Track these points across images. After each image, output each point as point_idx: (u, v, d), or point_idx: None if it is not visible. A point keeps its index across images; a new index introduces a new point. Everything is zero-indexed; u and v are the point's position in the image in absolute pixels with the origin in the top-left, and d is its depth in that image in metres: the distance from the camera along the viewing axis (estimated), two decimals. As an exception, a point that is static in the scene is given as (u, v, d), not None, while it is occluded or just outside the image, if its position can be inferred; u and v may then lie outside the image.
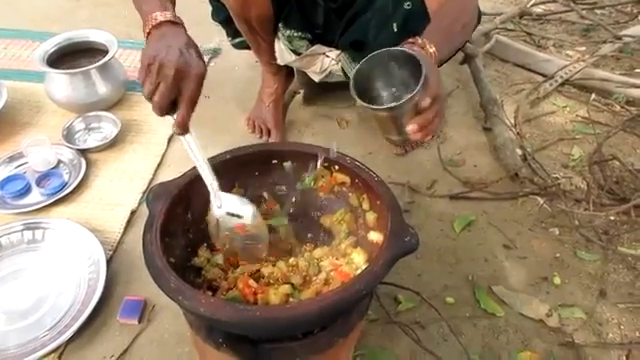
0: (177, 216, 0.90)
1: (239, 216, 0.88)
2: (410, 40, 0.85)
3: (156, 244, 0.81)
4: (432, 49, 0.84)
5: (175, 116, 0.82)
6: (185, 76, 0.80)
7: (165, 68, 0.79)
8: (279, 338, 0.83)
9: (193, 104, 0.82)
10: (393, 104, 0.77)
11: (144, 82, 0.81)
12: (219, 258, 0.92)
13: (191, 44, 0.85)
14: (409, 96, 0.76)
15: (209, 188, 0.87)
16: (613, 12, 2.28)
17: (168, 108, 0.81)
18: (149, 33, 0.86)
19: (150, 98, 0.81)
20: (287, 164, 1.00)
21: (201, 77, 0.82)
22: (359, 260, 0.91)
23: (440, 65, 0.91)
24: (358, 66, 0.83)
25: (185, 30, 0.89)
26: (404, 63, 0.81)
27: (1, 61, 1.89)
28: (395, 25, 1.21)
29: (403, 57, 0.81)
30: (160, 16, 0.86)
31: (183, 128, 0.82)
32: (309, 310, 0.73)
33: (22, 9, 2.22)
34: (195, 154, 0.86)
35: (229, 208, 0.88)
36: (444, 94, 0.82)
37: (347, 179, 0.97)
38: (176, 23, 0.88)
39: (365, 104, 0.80)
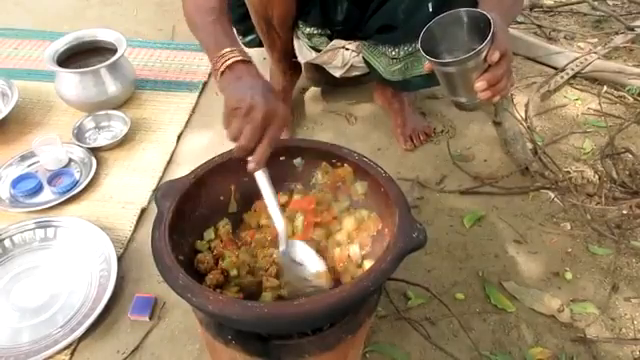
0: (186, 214, 0.90)
1: (301, 265, 0.88)
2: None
3: (165, 242, 0.81)
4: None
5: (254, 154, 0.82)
6: (272, 120, 0.81)
7: (254, 112, 0.79)
8: (288, 335, 0.84)
9: (273, 144, 0.82)
10: (462, 57, 0.78)
11: (229, 124, 0.81)
12: (218, 245, 0.92)
13: (270, 87, 0.86)
14: (478, 48, 0.76)
15: (278, 230, 0.87)
16: (625, 3, 2.24)
17: (252, 150, 0.81)
18: (223, 73, 0.86)
19: (235, 139, 0.81)
20: (296, 160, 1.01)
21: (286, 121, 0.84)
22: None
23: None
24: (425, 28, 0.84)
25: (257, 70, 0.89)
26: (470, 28, 0.82)
27: (12, 61, 1.91)
28: (430, 5, 1.19)
29: (470, 21, 0.81)
30: (232, 55, 0.86)
31: (259, 165, 0.82)
32: (317, 307, 0.73)
33: (32, 9, 2.24)
34: (266, 192, 0.85)
35: (295, 256, 0.88)
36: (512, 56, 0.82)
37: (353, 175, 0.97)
38: (249, 62, 0.88)
39: (434, 60, 0.81)
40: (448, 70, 0.81)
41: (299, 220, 0.92)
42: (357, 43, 1.40)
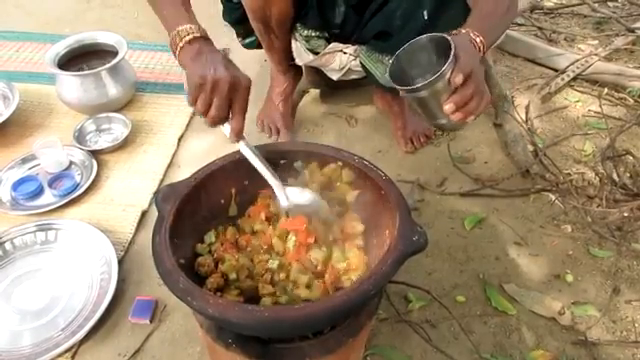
0: (186, 217, 0.90)
1: (304, 204, 0.91)
2: (454, 32, 0.84)
3: (165, 245, 0.81)
4: (478, 38, 0.84)
5: (227, 126, 0.87)
6: (237, 89, 0.85)
7: (219, 85, 0.83)
8: (288, 338, 0.84)
9: (245, 113, 0.87)
10: (424, 82, 0.78)
11: (196, 99, 0.84)
12: (218, 248, 0.92)
13: (228, 57, 0.88)
14: (438, 72, 0.76)
15: (274, 188, 0.90)
16: (626, 4, 2.24)
17: (223, 120, 0.86)
18: (182, 48, 0.89)
19: (204, 113, 0.85)
20: (297, 164, 1.00)
21: (249, 88, 0.87)
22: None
23: (487, 49, 0.91)
24: (395, 56, 0.85)
25: (213, 44, 0.91)
26: (438, 52, 0.82)
27: (13, 64, 1.91)
28: (425, 13, 1.20)
29: (437, 44, 0.81)
30: (191, 31, 0.89)
31: (239, 135, 0.87)
32: (317, 310, 0.73)
33: (33, 12, 2.25)
34: (252, 157, 0.89)
35: (296, 201, 0.91)
36: (482, 75, 0.82)
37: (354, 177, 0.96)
38: (206, 38, 0.91)
39: (399, 86, 0.82)
40: (418, 95, 0.81)
41: (291, 241, 0.90)
42: (355, 47, 1.40)
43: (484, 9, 0.95)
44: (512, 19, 1.05)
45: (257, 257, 0.91)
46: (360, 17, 1.33)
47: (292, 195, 0.91)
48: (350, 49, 1.41)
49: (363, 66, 1.42)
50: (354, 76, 1.49)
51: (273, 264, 0.89)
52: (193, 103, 0.85)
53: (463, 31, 0.85)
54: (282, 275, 0.88)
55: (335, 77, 1.50)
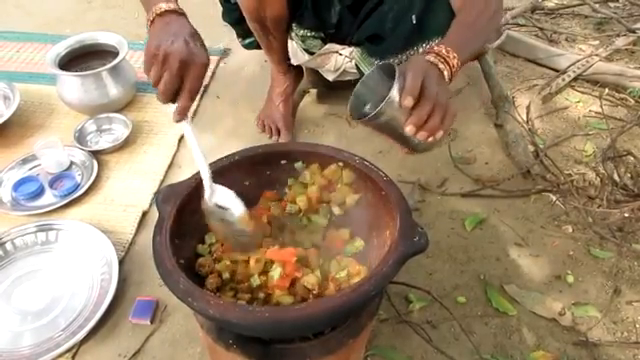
0: (187, 218, 0.90)
1: (225, 209, 0.88)
2: (434, 49, 0.83)
3: (166, 246, 0.81)
4: (454, 59, 0.82)
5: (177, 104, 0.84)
6: (189, 66, 0.82)
7: (170, 58, 0.81)
8: (289, 339, 0.84)
9: (195, 93, 0.84)
10: (373, 112, 0.77)
11: (149, 70, 0.83)
12: (218, 249, 0.92)
13: (195, 34, 0.87)
14: (385, 100, 0.75)
15: (202, 177, 0.88)
16: (627, 5, 2.24)
17: (173, 96, 0.84)
18: (152, 21, 0.88)
19: (155, 85, 0.84)
20: (298, 164, 1.00)
21: (204, 67, 0.84)
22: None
23: (469, 60, 0.90)
24: (354, 90, 0.85)
25: (188, 20, 0.90)
26: (392, 77, 0.79)
27: (14, 64, 1.91)
28: (414, 17, 1.20)
29: (390, 72, 0.80)
30: (164, 5, 0.88)
31: (181, 114, 0.85)
32: (317, 311, 0.73)
33: (33, 12, 2.25)
34: (192, 141, 0.87)
35: (218, 200, 0.88)
36: (443, 90, 0.80)
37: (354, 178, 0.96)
38: (180, 13, 0.89)
39: (354, 119, 0.82)
40: (378, 122, 0.80)
41: (276, 272, 0.84)
42: (351, 49, 1.40)
43: (465, 19, 0.94)
44: (496, 25, 1.04)
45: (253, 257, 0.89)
46: (355, 18, 1.33)
47: (219, 193, 0.88)
48: (346, 51, 1.41)
49: (358, 68, 1.42)
50: (350, 77, 1.49)
51: (255, 282, 0.86)
52: (146, 74, 0.84)
53: (435, 47, 0.83)
54: (262, 294, 0.85)
55: (331, 78, 1.50)
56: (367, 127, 0.84)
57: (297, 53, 1.46)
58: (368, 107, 0.86)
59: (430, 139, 0.79)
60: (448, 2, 1.13)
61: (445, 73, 0.81)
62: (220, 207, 0.88)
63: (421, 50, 1.27)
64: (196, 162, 0.88)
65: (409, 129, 0.76)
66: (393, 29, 1.26)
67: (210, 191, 0.88)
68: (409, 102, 0.74)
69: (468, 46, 0.88)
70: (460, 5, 1.04)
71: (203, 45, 0.86)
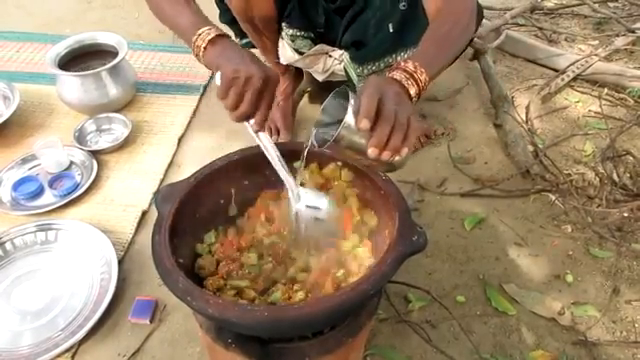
0: (186, 217, 0.90)
1: (317, 208, 0.90)
2: (401, 65, 0.82)
3: (165, 245, 0.81)
4: (422, 74, 0.81)
5: (254, 118, 0.87)
6: (268, 83, 0.85)
7: (253, 80, 0.84)
8: (288, 338, 0.84)
9: (272, 105, 0.88)
10: (330, 140, 0.76)
11: (228, 93, 0.85)
12: (218, 249, 0.92)
13: (253, 54, 0.89)
14: (341, 126, 0.74)
15: (285, 183, 0.89)
16: (626, 5, 2.24)
17: (251, 116, 0.86)
18: (205, 49, 0.90)
19: (233, 107, 0.85)
20: (296, 164, 1.00)
21: (278, 81, 0.89)
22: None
23: (439, 73, 0.90)
24: (316, 120, 0.85)
25: (235, 41, 0.93)
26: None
27: (14, 64, 1.91)
28: (391, 25, 1.21)
29: (348, 97, 0.78)
30: (210, 32, 0.90)
31: (263, 127, 0.88)
32: (316, 310, 0.73)
33: (34, 12, 2.25)
34: (270, 151, 0.89)
35: (307, 201, 0.90)
36: (403, 108, 0.76)
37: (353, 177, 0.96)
38: (227, 36, 0.92)
39: (319, 147, 0.81)
40: (341, 147, 0.78)
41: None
42: (341, 52, 1.40)
43: (437, 33, 0.93)
44: (466, 41, 1.03)
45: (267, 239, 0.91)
46: (341, 19, 1.33)
47: (306, 197, 0.89)
48: (336, 53, 1.41)
49: (345, 71, 1.43)
50: (338, 79, 1.50)
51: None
52: (224, 97, 0.85)
53: (402, 63, 0.82)
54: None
55: (320, 79, 1.51)
56: (341, 154, 0.84)
57: (286, 53, 1.46)
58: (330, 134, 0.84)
59: (397, 158, 0.77)
60: (424, 12, 1.13)
61: (412, 90, 0.80)
62: (310, 207, 0.89)
63: (399, 59, 1.27)
64: (278, 172, 0.89)
65: (371, 151, 0.74)
66: (374, 35, 1.27)
67: (298, 199, 0.89)
68: (365, 125, 0.72)
69: (438, 60, 0.87)
70: (434, 16, 1.03)
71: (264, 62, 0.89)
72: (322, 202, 0.90)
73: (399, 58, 1.29)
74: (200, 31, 0.90)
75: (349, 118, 0.74)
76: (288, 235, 0.94)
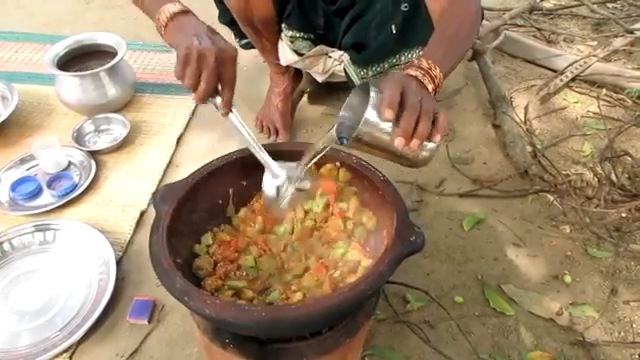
0: (184, 217, 0.90)
1: (297, 180, 0.90)
2: (415, 63, 0.82)
3: (162, 245, 0.81)
4: (436, 71, 0.80)
5: (218, 99, 0.87)
6: (224, 60, 0.84)
7: (206, 56, 0.83)
8: (286, 338, 0.84)
9: (234, 84, 0.87)
10: (353, 134, 0.74)
11: (184, 72, 0.84)
12: (216, 250, 0.92)
13: (213, 30, 0.88)
14: (362, 119, 0.72)
15: (261, 161, 0.90)
16: (625, 6, 2.24)
17: (213, 93, 0.86)
18: (166, 26, 0.89)
19: (193, 87, 0.84)
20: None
21: (236, 58, 0.87)
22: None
23: (450, 72, 0.89)
24: (338, 117, 0.82)
25: (197, 17, 0.92)
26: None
27: (12, 64, 1.92)
28: (394, 27, 1.21)
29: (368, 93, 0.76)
30: (172, 8, 0.89)
31: (229, 108, 0.87)
32: (314, 310, 0.73)
33: (33, 13, 2.25)
34: (242, 130, 0.89)
35: (287, 172, 0.90)
36: (427, 98, 0.75)
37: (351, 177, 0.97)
38: (189, 12, 0.91)
39: (341, 144, 0.79)
40: (364, 143, 0.76)
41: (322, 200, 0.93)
42: (341, 53, 1.40)
43: (444, 33, 0.92)
44: (472, 42, 1.02)
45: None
46: (341, 20, 1.33)
47: (285, 168, 0.89)
48: (335, 54, 1.41)
49: (345, 72, 1.43)
50: (339, 80, 1.50)
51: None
52: (181, 77, 0.85)
53: (416, 61, 0.82)
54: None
55: (320, 79, 1.51)
56: (362, 151, 0.81)
57: (286, 54, 1.46)
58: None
59: (424, 153, 0.77)
60: (427, 12, 1.13)
61: (429, 87, 0.79)
62: (292, 178, 0.89)
63: (403, 59, 1.27)
64: (252, 150, 0.89)
65: (397, 142, 0.72)
66: (375, 37, 1.26)
67: (278, 172, 0.89)
68: (388, 114, 0.71)
69: (448, 59, 0.86)
70: (438, 17, 1.02)
71: (223, 37, 0.88)
72: (299, 171, 0.89)
73: (403, 59, 1.28)
74: (162, 9, 0.89)
75: (369, 113, 0.72)
76: (283, 242, 0.94)
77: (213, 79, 0.84)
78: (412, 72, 0.79)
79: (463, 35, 0.94)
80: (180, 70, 0.84)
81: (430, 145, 0.78)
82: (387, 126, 0.73)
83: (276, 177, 0.89)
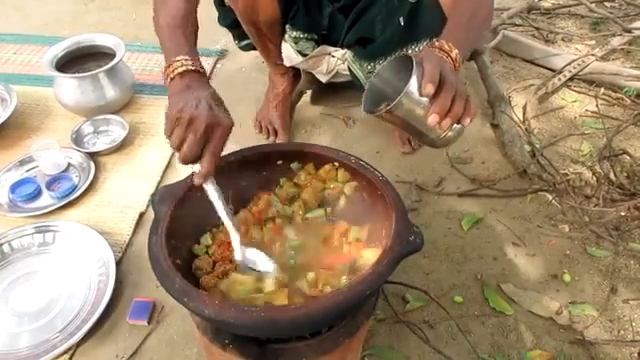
0: (183, 218, 0.90)
1: (257, 271, 0.88)
2: (436, 44, 0.83)
3: (161, 246, 0.81)
4: (455, 51, 0.82)
5: (198, 166, 0.82)
6: (214, 130, 0.80)
7: (195, 122, 0.79)
8: (286, 338, 0.84)
9: (218, 157, 0.83)
10: (391, 104, 0.75)
11: (171, 132, 0.81)
12: (215, 250, 0.92)
13: (217, 97, 0.85)
14: (404, 90, 0.73)
15: (231, 238, 0.88)
16: (623, 5, 2.25)
17: (195, 159, 0.81)
18: (172, 79, 0.87)
19: (177, 148, 0.81)
20: (294, 165, 1.01)
21: (228, 132, 0.83)
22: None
23: (465, 58, 0.91)
24: (368, 83, 0.83)
25: (208, 81, 0.89)
26: (408, 70, 0.77)
27: (11, 66, 1.91)
28: (402, 19, 1.20)
29: (405, 65, 0.78)
30: (186, 63, 0.86)
31: (204, 178, 0.82)
32: (313, 310, 0.73)
33: (31, 14, 2.25)
34: (217, 204, 0.86)
35: (249, 263, 0.88)
36: (459, 80, 0.78)
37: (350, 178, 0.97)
38: (201, 72, 0.88)
39: (370, 113, 0.79)
40: (397, 115, 0.77)
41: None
42: (344, 51, 1.40)
43: (459, 21, 0.94)
44: (484, 31, 1.04)
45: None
46: (346, 18, 1.34)
47: (249, 254, 0.88)
48: (338, 53, 1.41)
49: (350, 70, 1.43)
50: (342, 79, 1.50)
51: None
52: (167, 137, 0.82)
53: (437, 43, 0.83)
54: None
55: (324, 80, 1.51)
56: (384, 121, 0.81)
57: (290, 55, 1.46)
58: (384, 101, 0.82)
59: (450, 134, 0.79)
60: (437, 3, 1.13)
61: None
62: (251, 269, 0.88)
63: (410, 52, 1.27)
64: (225, 225, 0.87)
65: (432, 118, 0.74)
66: (382, 31, 1.26)
67: (240, 254, 0.88)
68: (430, 89, 0.73)
69: (465, 44, 0.88)
70: (451, 6, 1.03)
71: (225, 108, 0.85)
72: (263, 264, 0.87)
73: (410, 51, 1.28)
74: (177, 58, 0.86)
75: (412, 83, 0.73)
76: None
77: (196, 147, 0.79)
78: (437, 53, 0.81)
79: (478, 22, 0.95)
80: (167, 130, 0.82)
81: (457, 126, 0.79)
82: (424, 100, 0.74)
83: (238, 257, 0.88)
